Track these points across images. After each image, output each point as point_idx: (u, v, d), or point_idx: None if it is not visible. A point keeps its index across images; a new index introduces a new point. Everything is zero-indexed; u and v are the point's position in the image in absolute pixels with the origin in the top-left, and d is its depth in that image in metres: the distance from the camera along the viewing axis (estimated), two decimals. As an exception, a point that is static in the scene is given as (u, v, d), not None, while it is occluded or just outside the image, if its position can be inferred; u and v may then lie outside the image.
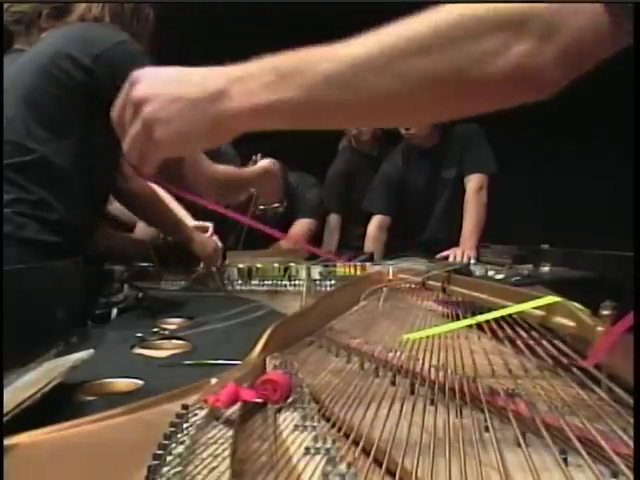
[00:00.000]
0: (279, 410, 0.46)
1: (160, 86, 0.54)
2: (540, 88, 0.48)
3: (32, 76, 1.01)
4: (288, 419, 0.44)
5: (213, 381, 0.49)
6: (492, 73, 0.47)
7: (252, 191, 2.03)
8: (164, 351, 0.77)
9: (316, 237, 2.40)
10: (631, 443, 0.37)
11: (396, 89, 0.49)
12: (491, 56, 0.47)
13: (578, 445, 0.37)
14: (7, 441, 0.38)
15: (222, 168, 1.22)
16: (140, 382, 0.61)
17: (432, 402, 0.48)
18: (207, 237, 1.48)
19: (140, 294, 1.18)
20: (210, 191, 1.19)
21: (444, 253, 1.94)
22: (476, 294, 0.92)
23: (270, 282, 1.31)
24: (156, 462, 0.34)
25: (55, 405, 0.50)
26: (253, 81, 0.51)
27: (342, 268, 1.32)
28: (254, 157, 1.64)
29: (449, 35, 0.47)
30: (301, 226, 2.37)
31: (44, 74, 1.00)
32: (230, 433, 0.40)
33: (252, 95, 0.51)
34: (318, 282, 1.28)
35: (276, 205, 2.26)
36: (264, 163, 1.39)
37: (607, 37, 0.45)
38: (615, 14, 0.43)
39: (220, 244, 1.50)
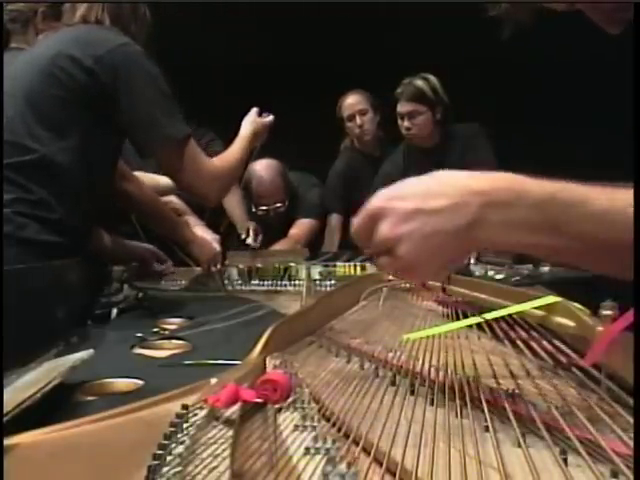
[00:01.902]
0: (279, 410, 0.46)
1: (411, 221, 0.48)
2: None
3: (33, 77, 1.01)
4: (288, 419, 0.44)
5: (213, 381, 0.49)
6: None
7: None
8: (164, 351, 0.77)
9: (317, 237, 2.40)
10: (631, 443, 0.37)
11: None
12: None
13: (578, 445, 0.37)
14: (7, 441, 0.38)
15: (218, 161, 1.21)
16: (140, 382, 0.61)
17: (432, 402, 0.48)
18: (206, 240, 1.47)
19: (140, 294, 1.18)
20: (213, 188, 1.18)
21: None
22: (476, 294, 0.92)
23: (270, 282, 1.31)
24: (156, 462, 0.34)
25: (55, 405, 0.50)
26: (514, 213, 0.46)
27: (342, 268, 1.32)
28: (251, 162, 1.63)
29: None
30: (302, 226, 2.37)
31: (45, 75, 1.00)
32: (230, 433, 0.40)
33: (511, 231, 0.47)
34: (318, 282, 1.28)
35: (277, 205, 2.26)
36: (245, 122, 1.35)
37: None
38: None
39: (219, 247, 1.50)
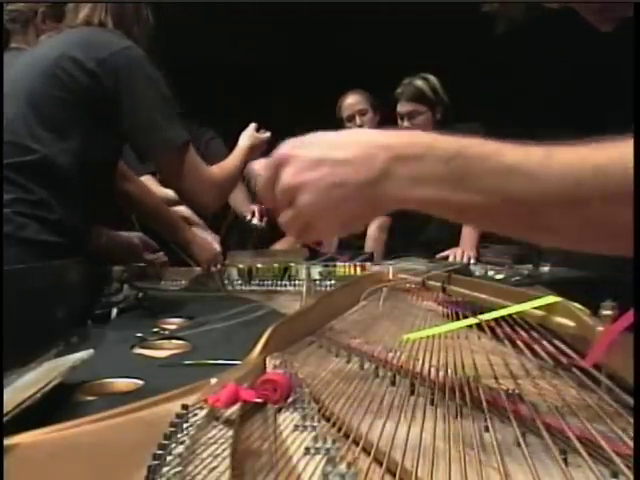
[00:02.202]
0: (279, 410, 0.46)
1: (314, 169, 0.47)
2: None
3: (35, 77, 1.01)
4: (288, 419, 0.44)
5: (213, 381, 0.49)
6: None
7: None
8: (164, 351, 0.77)
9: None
10: (631, 443, 0.37)
11: (586, 229, 0.43)
12: None
13: (578, 445, 0.37)
14: (7, 441, 0.38)
15: (217, 169, 1.22)
16: (140, 382, 0.61)
17: (432, 402, 0.48)
18: (206, 240, 1.48)
19: (140, 294, 1.18)
20: (212, 195, 1.19)
21: (444, 253, 1.94)
22: (476, 294, 0.92)
23: (270, 282, 1.31)
24: (156, 462, 0.34)
25: (55, 405, 0.50)
26: (422, 167, 0.45)
27: (342, 268, 1.32)
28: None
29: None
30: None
31: (48, 76, 1.00)
32: (230, 433, 0.40)
33: (418, 185, 0.45)
34: (318, 282, 1.28)
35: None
36: (243, 136, 1.37)
37: None
38: None
39: (219, 247, 1.50)
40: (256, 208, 1.93)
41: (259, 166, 2.03)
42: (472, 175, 0.44)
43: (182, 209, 1.61)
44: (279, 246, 2.17)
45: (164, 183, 1.30)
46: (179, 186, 1.14)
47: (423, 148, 0.45)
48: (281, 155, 0.49)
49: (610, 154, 0.42)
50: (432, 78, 2.16)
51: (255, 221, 1.80)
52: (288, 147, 0.49)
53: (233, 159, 1.28)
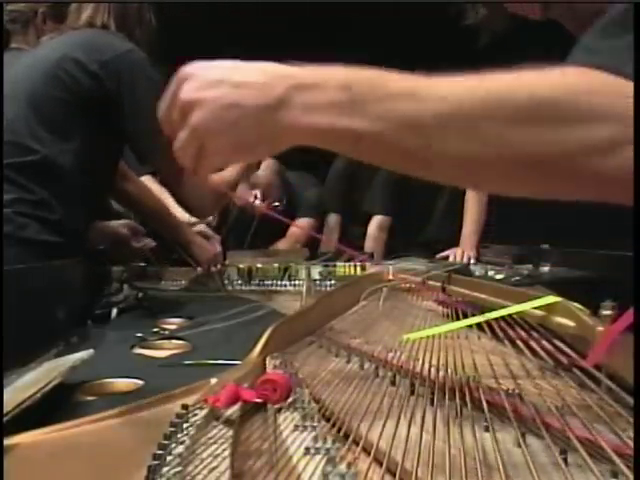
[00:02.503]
0: (279, 410, 0.46)
1: (213, 88, 0.47)
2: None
3: (37, 78, 1.01)
4: (288, 419, 0.44)
5: (213, 381, 0.49)
6: (603, 170, 0.41)
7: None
8: (164, 351, 0.77)
9: (315, 237, 2.40)
10: (631, 443, 0.37)
11: (476, 154, 0.44)
12: (603, 150, 0.40)
13: (578, 445, 0.37)
14: (7, 441, 0.38)
15: (215, 177, 1.23)
16: (140, 382, 0.61)
17: (432, 402, 0.48)
18: (207, 240, 1.48)
19: (140, 294, 1.18)
20: (208, 200, 1.19)
21: (444, 253, 1.94)
22: (476, 294, 0.92)
23: (270, 282, 1.31)
24: (156, 462, 0.34)
25: (55, 405, 0.50)
26: (320, 94, 0.45)
27: (342, 268, 1.32)
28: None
29: (556, 112, 0.41)
30: (301, 225, 2.37)
31: (50, 77, 1.01)
32: (230, 433, 0.40)
33: (315, 112, 0.45)
34: (318, 282, 1.28)
35: (275, 204, 2.27)
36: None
37: None
38: None
39: (219, 248, 1.50)
40: (258, 192, 1.93)
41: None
42: (369, 101, 0.44)
43: (201, 227, 1.61)
44: (279, 246, 2.18)
45: (164, 184, 1.30)
46: (177, 190, 1.15)
47: (322, 77, 0.46)
48: (185, 72, 0.49)
49: (498, 78, 0.43)
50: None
51: (257, 202, 1.80)
52: (193, 66, 0.50)
53: (230, 171, 1.29)
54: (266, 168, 2.24)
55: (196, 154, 0.50)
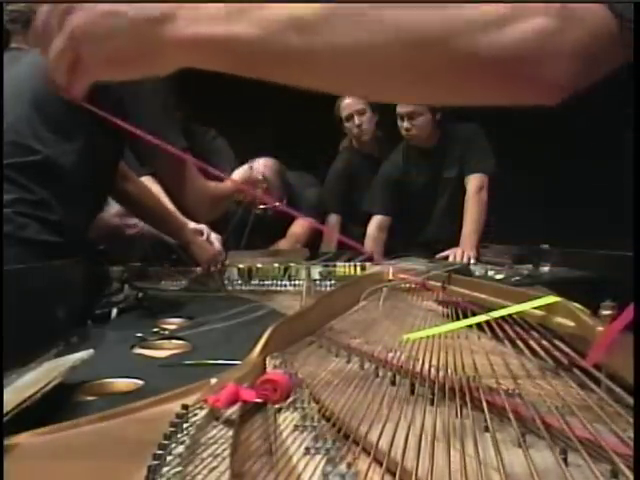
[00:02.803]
0: (279, 410, 0.46)
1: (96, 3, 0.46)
2: (550, 86, 0.40)
3: (40, 78, 1.01)
4: (288, 419, 0.44)
5: (213, 381, 0.49)
6: (499, 45, 0.39)
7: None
8: (164, 351, 0.77)
9: (315, 237, 2.40)
10: (631, 443, 0.37)
11: (366, 41, 0.42)
12: (500, 23, 0.38)
13: (578, 445, 0.37)
14: (7, 441, 0.38)
15: (213, 185, 1.23)
16: (140, 382, 0.61)
17: (432, 402, 0.48)
18: (206, 241, 1.48)
19: (140, 294, 1.18)
20: (204, 205, 1.19)
21: (444, 253, 1.94)
22: (476, 294, 0.92)
23: (270, 282, 1.31)
24: (156, 462, 0.34)
25: (55, 405, 0.50)
26: (202, 10, 0.45)
27: (342, 268, 1.33)
28: (249, 164, 1.64)
29: None
30: (300, 226, 2.37)
31: None
32: (230, 433, 0.40)
33: (198, 23, 0.45)
34: (318, 282, 1.28)
35: (275, 204, 2.26)
36: (239, 173, 1.40)
37: (616, 44, 0.38)
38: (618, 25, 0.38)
39: (220, 247, 1.50)
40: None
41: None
42: (247, 9, 0.44)
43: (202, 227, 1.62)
44: (280, 246, 2.18)
45: (162, 185, 1.30)
46: (176, 192, 1.15)
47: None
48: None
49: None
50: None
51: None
52: None
53: (227, 184, 1.30)
54: (265, 166, 2.24)
55: (71, 66, 0.49)
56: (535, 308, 0.70)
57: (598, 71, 0.41)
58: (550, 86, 0.41)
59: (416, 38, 0.41)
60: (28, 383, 0.50)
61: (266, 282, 1.32)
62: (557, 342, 0.60)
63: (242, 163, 1.71)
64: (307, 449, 0.38)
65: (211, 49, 0.46)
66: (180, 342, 0.81)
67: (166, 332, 0.87)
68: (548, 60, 0.40)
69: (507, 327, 0.69)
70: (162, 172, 1.14)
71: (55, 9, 0.47)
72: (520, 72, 0.41)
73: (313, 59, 0.45)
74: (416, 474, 0.35)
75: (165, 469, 0.33)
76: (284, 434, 0.42)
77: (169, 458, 0.35)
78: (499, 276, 1.24)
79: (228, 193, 1.28)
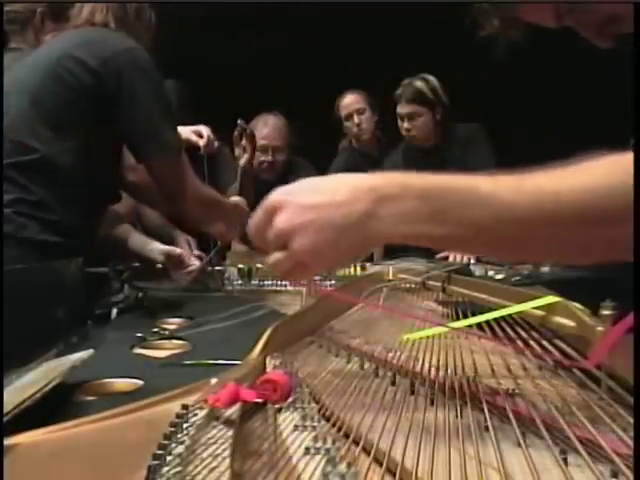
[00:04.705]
0: (279, 410, 0.46)
1: (306, 213, 0.50)
2: None
3: (39, 77, 1.01)
4: (288, 419, 0.44)
5: (213, 381, 0.49)
6: None
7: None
8: (164, 351, 0.77)
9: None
10: (631, 443, 0.37)
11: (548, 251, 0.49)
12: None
13: (578, 445, 0.37)
14: (7, 441, 0.38)
15: (206, 187, 1.22)
16: (140, 382, 0.61)
17: (432, 402, 0.48)
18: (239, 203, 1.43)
19: (140, 294, 1.18)
20: (193, 204, 1.18)
21: (444, 253, 1.93)
22: (476, 294, 0.92)
23: (270, 282, 1.31)
24: (156, 462, 0.34)
25: (55, 405, 0.50)
26: (402, 205, 0.48)
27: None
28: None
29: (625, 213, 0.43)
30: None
31: (51, 75, 1.01)
32: (230, 433, 0.40)
33: (402, 223, 0.49)
34: (318, 282, 1.28)
35: (277, 156, 2.27)
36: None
37: None
38: None
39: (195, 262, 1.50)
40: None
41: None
42: (448, 209, 0.48)
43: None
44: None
45: (156, 183, 1.28)
46: (166, 189, 1.14)
47: (400, 187, 0.49)
48: (273, 201, 0.52)
49: (571, 181, 0.48)
50: (432, 79, 2.16)
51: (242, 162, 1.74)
52: (279, 194, 0.52)
53: (222, 198, 1.29)
54: (273, 116, 2.26)
55: (294, 269, 0.53)
56: (535, 308, 0.70)
57: None
58: None
59: (598, 219, 0.46)
60: (28, 383, 0.50)
61: (266, 282, 1.31)
62: (557, 342, 0.60)
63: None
64: (307, 449, 0.38)
65: (411, 239, 0.50)
66: (180, 342, 0.81)
67: (166, 332, 0.87)
68: None
69: (507, 327, 0.69)
70: (154, 166, 1.13)
71: (272, 231, 0.51)
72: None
73: (500, 251, 0.53)
74: (416, 474, 0.35)
75: (165, 469, 0.33)
76: (284, 434, 0.42)
77: (169, 458, 0.35)
78: (499, 276, 1.24)
79: (219, 203, 1.26)
